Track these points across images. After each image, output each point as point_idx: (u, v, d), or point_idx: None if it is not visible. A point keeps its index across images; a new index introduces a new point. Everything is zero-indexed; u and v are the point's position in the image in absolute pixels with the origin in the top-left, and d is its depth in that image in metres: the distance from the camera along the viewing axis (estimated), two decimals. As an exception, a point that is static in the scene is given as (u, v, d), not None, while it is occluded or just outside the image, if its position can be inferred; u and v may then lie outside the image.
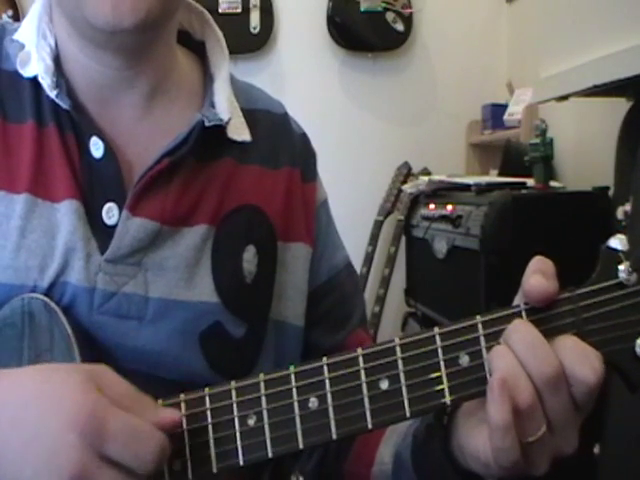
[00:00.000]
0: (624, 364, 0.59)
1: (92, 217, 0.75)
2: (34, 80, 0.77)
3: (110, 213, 0.75)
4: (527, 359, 0.57)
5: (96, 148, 0.76)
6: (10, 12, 2.77)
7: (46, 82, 0.76)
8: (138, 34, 0.72)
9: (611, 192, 1.77)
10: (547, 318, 0.59)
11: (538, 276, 0.59)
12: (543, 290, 0.59)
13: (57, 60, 0.78)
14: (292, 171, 0.87)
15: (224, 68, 0.84)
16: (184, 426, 0.64)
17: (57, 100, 0.76)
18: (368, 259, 2.84)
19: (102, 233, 0.75)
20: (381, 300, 2.78)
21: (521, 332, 0.58)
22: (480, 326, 0.60)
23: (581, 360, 0.57)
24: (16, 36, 0.80)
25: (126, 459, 0.57)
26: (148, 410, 0.61)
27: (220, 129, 0.80)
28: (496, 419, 0.57)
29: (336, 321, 0.89)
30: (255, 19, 2.92)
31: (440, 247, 2.11)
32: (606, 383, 0.57)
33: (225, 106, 0.81)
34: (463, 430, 0.63)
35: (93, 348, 0.72)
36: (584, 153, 2.27)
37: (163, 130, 0.79)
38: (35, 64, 0.77)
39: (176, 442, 0.63)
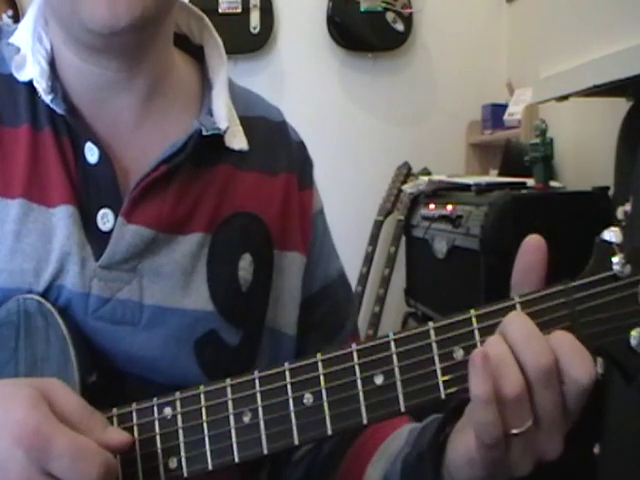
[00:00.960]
0: (619, 356, 0.59)
1: (87, 223, 0.74)
2: (30, 84, 0.76)
3: (105, 219, 0.75)
4: (523, 350, 0.57)
5: (91, 154, 0.75)
6: (10, 12, 2.77)
7: (41, 86, 0.75)
8: (135, 33, 0.71)
9: (611, 192, 1.77)
10: (541, 310, 0.59)
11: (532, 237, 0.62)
12: (537, 241, 0.61)
13: (52, 64, 0.77)
14: (289, 177, 0.86)
15: (222, 73, 0.84)
16: (179, 424, 0.64)
17: (52, 105, 0.75)
18: (368, 259, 2.84)
19: (97, 239, 0.74)
20: (381, 300, 2.78)
21: (517, 324, 0.59)
22: (474, 320, 0.60)
23: (577, 359, 0.57)
24: (12, 39, 0.79)
25: (70, 477, 0.58)
26: (97, 428, 0.62)
27: (218, 137, 0.79)
28: (477, 392, 0.57)
29: (329, 329, 0.89)
30: (255, 19, 2.92)
31: (440, 247, 2.10)
32: (602, 386, 0.57)
33: (223, 114, 0.81)
34: (451, 446, 0.63)
35: (88, 350, 0.72)
36: (584, 153, 2.27)
37: (160, 136, 0.79)
38: (30, 68, 0.76)
39: (171, 440, 0.63)
